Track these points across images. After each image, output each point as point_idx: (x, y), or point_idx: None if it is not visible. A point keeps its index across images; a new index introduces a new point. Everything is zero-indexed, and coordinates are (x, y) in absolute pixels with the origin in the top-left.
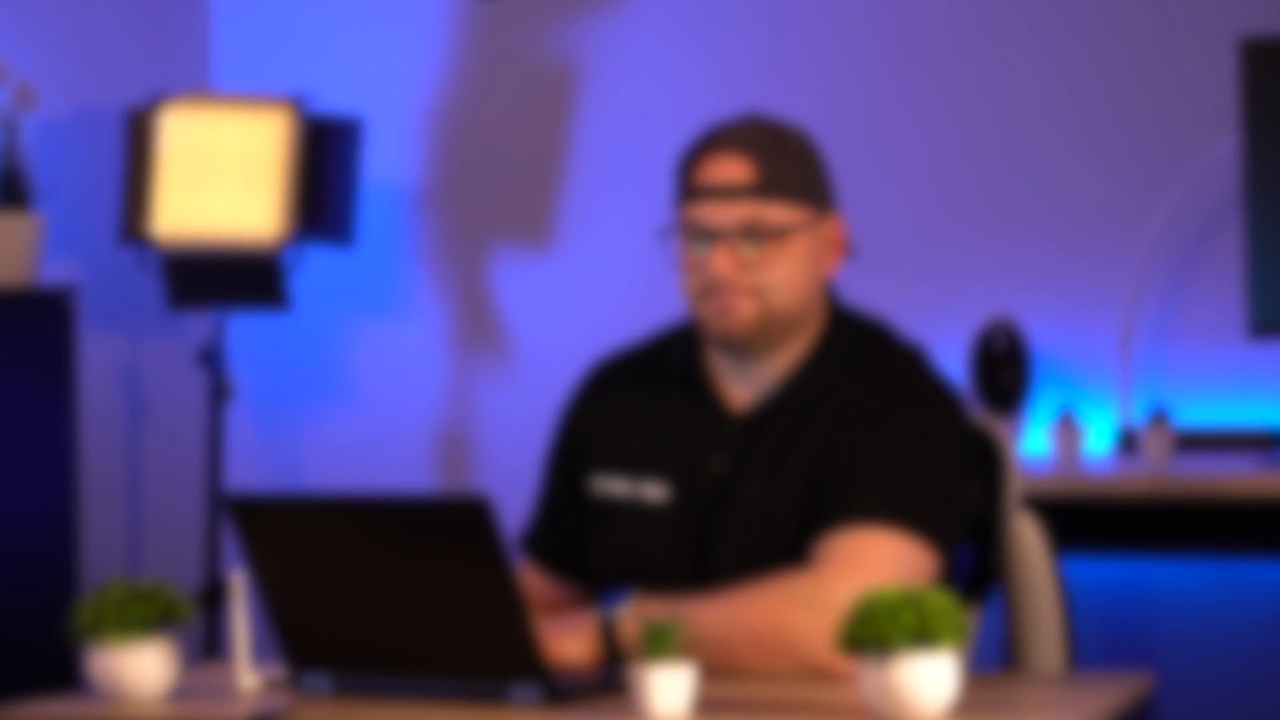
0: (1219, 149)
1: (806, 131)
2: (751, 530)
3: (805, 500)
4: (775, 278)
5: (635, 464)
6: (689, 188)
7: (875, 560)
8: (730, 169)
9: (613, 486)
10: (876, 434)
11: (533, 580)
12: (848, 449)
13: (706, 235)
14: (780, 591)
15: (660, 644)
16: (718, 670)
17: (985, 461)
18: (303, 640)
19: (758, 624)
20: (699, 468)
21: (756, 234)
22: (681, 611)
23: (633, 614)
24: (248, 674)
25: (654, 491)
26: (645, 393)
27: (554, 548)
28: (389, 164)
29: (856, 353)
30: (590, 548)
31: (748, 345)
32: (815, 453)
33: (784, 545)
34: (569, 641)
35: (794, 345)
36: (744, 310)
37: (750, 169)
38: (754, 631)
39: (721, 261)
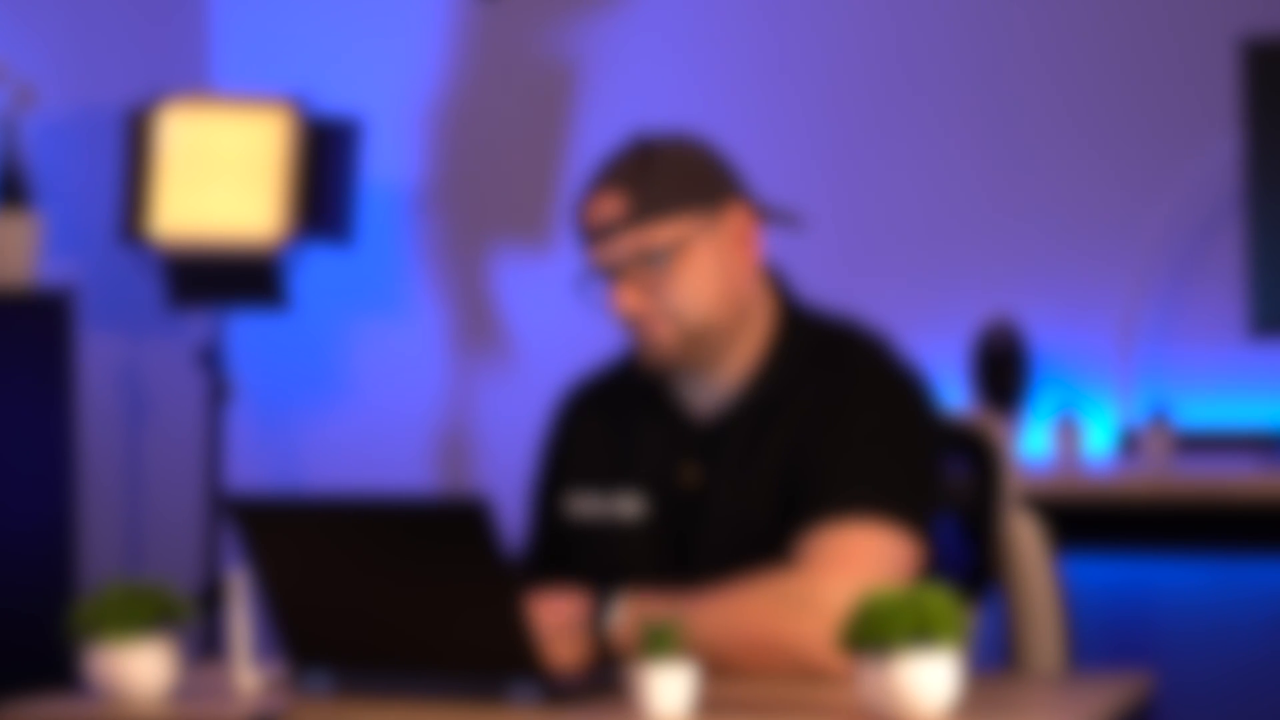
0: (1219, 149)
1: (689, 135)
2: (727, 539)
3: (777, 503)
4: (682, 294)
5: (606, 479)
6: (579, 234)
7: (862, 556)
8: (603, 207)
9: (586, 505)
10: (844, 426)
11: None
12: (817, 445)
13: (606, 274)
14: (773, 594)
15: (660, 644)
16: (713, 672)
17: (979, 460)
18: (303, 640)
19: (752, 628)
20: (669, 479)
21: (649, 260)
22: (674, 615)
23: (626, 614)
24: (247, 674)
25: (627, 505)
26: (613, 410)
27: (554, 572)
28: (389, 164)
29: (816, 350)
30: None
31: (683, 367)
32: (783, 454)
33: (760, 550)
34: (560, 646)
35: (744, 346)
36: (663, 336)
37: (620, 201)
38: (749, 636)
39: (626, 297)
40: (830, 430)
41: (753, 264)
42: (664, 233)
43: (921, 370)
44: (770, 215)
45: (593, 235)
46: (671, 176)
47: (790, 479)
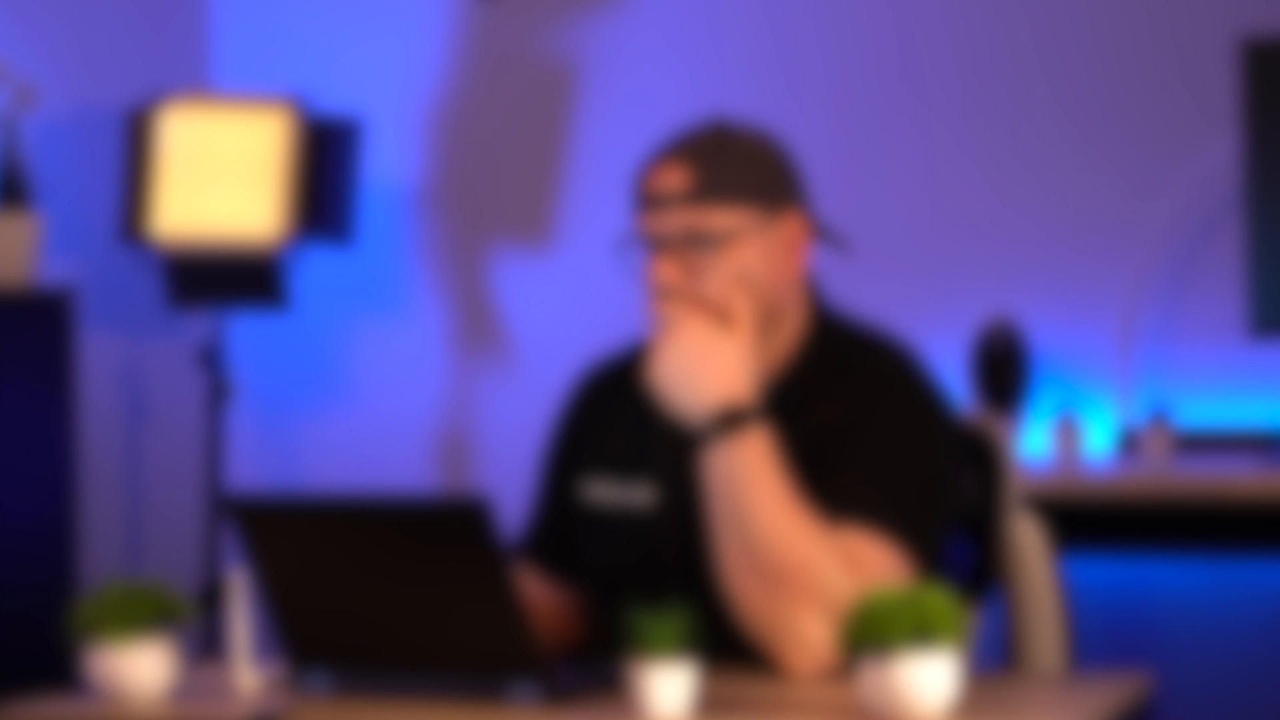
0: (1219, 149)
1: (766, 132)
2: None
3: None
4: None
5: (622, 466)
6: (636, 198)
7: (871, 564)
8: (667, 178)
9: (601, 491)
10: (864, 438)
11: (532, 586)
12: (835, 452)
13: (653, 244)
14: (830, 562)
15: (659, 641)
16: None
17: (981, 461)
18: (303, 640)
19: (799, 560)
20: (684, 471)
21: (698, 241)
22: (754, 493)
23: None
24: (248, 674)
25: (642, 495)
26: (631, 396)
27: (554, 552)
28: (389, 164)
29: (842, 359)
30: (582, 555)
31: None
32: (799, 458)
33: None
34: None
35: (770, 350)
36: None
37: (686, 176)
38: (778, 570)
39: (664, 269)
40: (850, 439)
41: (796, 274)
42: (720, 218)
43: (943, 386)
44: (824, 233)
45: (649, 202)
46: (741, 164)
47: (803, 483)
